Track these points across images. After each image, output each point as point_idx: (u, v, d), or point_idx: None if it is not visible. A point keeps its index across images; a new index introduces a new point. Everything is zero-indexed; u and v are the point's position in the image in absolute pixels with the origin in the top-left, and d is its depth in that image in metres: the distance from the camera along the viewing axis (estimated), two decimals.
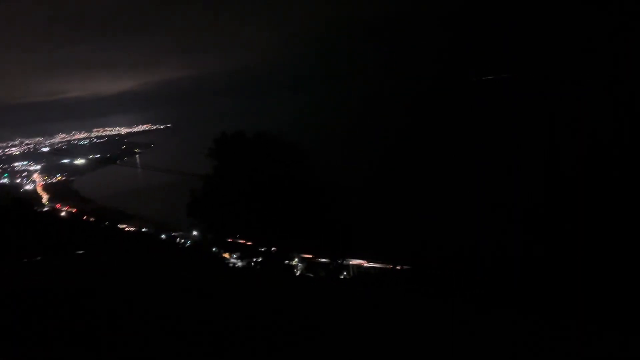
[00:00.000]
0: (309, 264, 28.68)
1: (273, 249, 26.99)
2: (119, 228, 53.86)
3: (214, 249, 33.26)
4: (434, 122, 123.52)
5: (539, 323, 7.52)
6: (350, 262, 27.87)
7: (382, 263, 28.35)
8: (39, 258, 12.13)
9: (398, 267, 27.39)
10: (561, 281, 13.25)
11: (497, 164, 65.05)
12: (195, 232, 37.33)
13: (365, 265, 28.41)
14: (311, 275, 26.72)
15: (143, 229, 56.05)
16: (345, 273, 28.08)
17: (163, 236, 49.72)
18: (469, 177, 59.61)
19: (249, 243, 27.50)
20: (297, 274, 27.21)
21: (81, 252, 13.09)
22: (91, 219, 58.97)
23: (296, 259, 28.83)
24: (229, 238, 28.19)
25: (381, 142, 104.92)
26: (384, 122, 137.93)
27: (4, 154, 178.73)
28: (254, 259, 27.86)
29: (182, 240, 45.37)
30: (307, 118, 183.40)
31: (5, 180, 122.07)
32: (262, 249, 27.00)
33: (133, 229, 56.02)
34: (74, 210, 78.15)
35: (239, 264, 29.62)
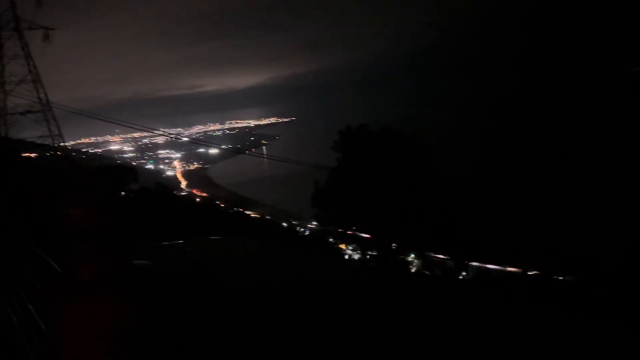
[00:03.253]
0: (425, 261, 28.15)
1: (391, 243, 26.90)
2: (246, 214, 57.42)
3: (330, 240, 34.07)
4: (569, 120, 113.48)
5: None
6: (471, 263, 26.77)
7: (503, 266, 26.83)
8: (179, 241, 13.54)
9: (519, 271, 25.79)
10: None
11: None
12: (314, 222, 38.52)
13: (487, 267, 27.11)
14: (427, 272, 26.20)
15: (267, 216, 59.15)
16: (464, 273, 27.11)
17: (284, 224, 52.01)
18: (604, 180, 54.12)
19: (366, 236, 27.71)
20: (413, 271, 26.86)
21: (213, 237, 14.42)
22: (222, 205, 63.42)
23: (412, 255, 28.43)
24: (348, 230, 28.64)
25: (509, 139, 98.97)
26: (513, 119, 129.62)
27: (150, 143, 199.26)
28: (370, 252, 28.03)
29: (302, 229, 47.08)
30: (431, 111, 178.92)
31: (151, 166, 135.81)
32: (379, 243, 27.04)
33: (258, 215, 59.34)
34: (207, 195, 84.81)
35: (355, 256, 30.00)
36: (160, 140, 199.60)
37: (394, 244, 26.85)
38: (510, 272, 26.07)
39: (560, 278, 23.80)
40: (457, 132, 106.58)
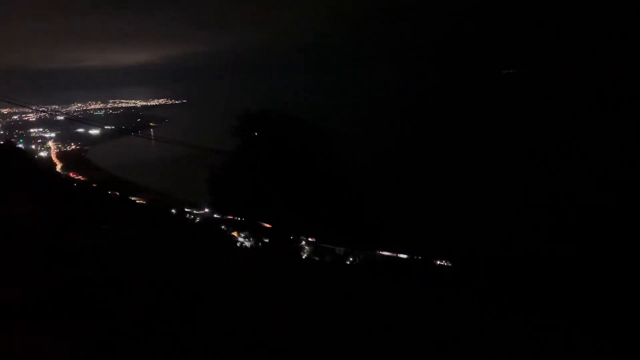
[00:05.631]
0: (315, 248, 28.72)
1: (284, 231, 26.98)
2: (130, 200, 54.19)
3: (222, 227, 33.40)
4: (458, 114, 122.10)
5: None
6: (363, 250, 27.78)
7: (393, 252, 28.25)
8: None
9: (406, 257, 27.33)
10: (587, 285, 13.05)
11: (525, 161, 64.37)
12: (207, 209, 37.48)
13: (378, 253, 28.35)
14: (317, 258, 26.73)
15: (153, 203, 56.35)
16: (351, 259, 28.07)
17: (173, 210, 49.94)
18: (494, 173, 58.96)
19: (260, 223, 27.54)
20: (303, 257, 27.24)
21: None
22: (101, 189, 59.33)
23: (304, 242, 28.86)
24: (243, 217, 28.22)
25: (401, 131, 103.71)
26: (406, 111, 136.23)
27: (20, 120, 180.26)
28: (262, 239, 27.93)
29: (192, 217, 45.54)
30: (319, 100, 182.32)
31: (21, 146, 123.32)
32: (272, 230, 27.01)
33: (144, 201, 56.33)
34: (84, 179, 78.75)
35: (247, 243, 29.71)
36: (32, 117, 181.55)
37: (286, 232, 26.98)
38: (399, 258, 27.50)
39: (440, 263, 25.66)
40: (356, 125, 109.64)
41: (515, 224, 35.37)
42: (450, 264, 24.20)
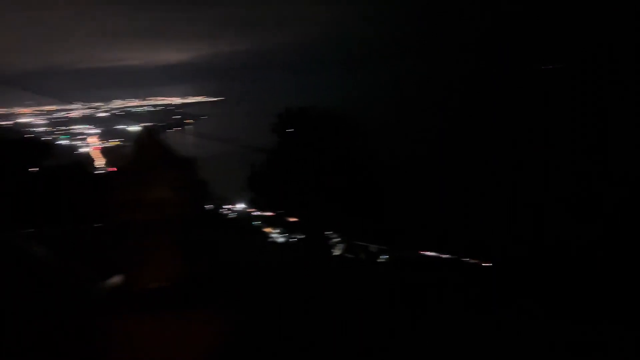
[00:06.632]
0: (349, 245, 28.71)
1: (318, 228, 27.12)
2: None
3: (255, 222, 33.80)
4: (493, 110, 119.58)
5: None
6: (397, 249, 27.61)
7: (429, 252, 27.95)
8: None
9: (443, 256, 27.00)
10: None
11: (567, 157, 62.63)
12: (242, 205, 37.91)
13: (414, 252, 28.13)
14: (350, 256, 26.73)
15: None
16: (385, 257, 27.94)
17: (207, 206, 50.63)
18: (534, 170, 57.64)
19: (294, 220, 27.76)
20: (336, 254, 27.28)
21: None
22: None
23: (337, 239, 28.87)
24: (279, 214, 28.50)
25: (440, 128, 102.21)
26: (443, 108, 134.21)
27: (64, 116, 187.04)
28: (296, 236, 28.12)
29: (226, 212, 46.16)
30: (363, 97, 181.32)
31: (65, 142, 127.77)
32: (305, 226, 27.19)
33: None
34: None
35: (280, 239, 29.98)
36: (75, 114, 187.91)
37: (322, 229, 27.08)
38: (431, 256, 27.18)
39: (472, 261, 25.23)
40: (394, 121, 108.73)
41: (560, 221, 34.30)
42: (491, 264, 23.75)
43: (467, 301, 8.89)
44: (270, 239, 29.73)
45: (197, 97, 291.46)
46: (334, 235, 28.36)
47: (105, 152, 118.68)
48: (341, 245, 28.77)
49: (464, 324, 6.79)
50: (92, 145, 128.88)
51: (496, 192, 49.60)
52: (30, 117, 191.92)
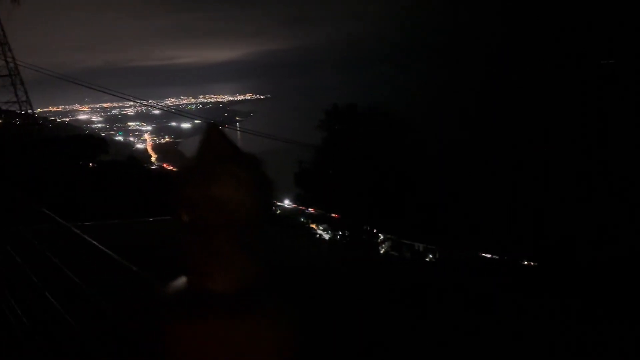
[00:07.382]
0: (394, 243, 28.56)
1: (363, 225, 27.10)
2: None
3: (302, 219, 34.17)
4: (555, 108, 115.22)
5: None
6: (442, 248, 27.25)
7: (472, 251, 27.43)
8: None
9: (487, 256, 26.49)
10: None
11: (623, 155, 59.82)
12: (287, 202, 38.38)
13: (460, 252, 27.69)
14: (396, 254, 26.63)
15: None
16: (430, 256, 27.68)
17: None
18: (586, 167, 55.44)
19: (339, 216, 27.82)
20: (382, 252, 27.26)
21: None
22: None
23: (382, 237, 28.76)
24: (325, 210, 28.65)
25: (495, 126, 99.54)
26: (500, 105, 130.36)
27: (119, 113, 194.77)
28: (341, 233, 28.24)
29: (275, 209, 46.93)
30: (410, 95, 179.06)
31: (120, 138, 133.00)
32: (352, 224, 27.22)
33: None
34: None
35: (325, 236, 30.20)
36: (130, 111, 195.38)
37: (367, 226, 27.06)
38: (481, 257, 26.68)
39: (525, 263, 24.61)
40: (442, 118, 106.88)
41: (608, 220, 32.79)
42: (537, 264, 23.15)
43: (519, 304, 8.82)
44: (317, 236, 30.01)
45: (246, 95, 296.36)
46: (380, 233, 28.28)
47: (158, 148, 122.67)
48: (387, 244, 28.65)
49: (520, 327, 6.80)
50: (148, 141, 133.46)
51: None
52: (88, 114, 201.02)
